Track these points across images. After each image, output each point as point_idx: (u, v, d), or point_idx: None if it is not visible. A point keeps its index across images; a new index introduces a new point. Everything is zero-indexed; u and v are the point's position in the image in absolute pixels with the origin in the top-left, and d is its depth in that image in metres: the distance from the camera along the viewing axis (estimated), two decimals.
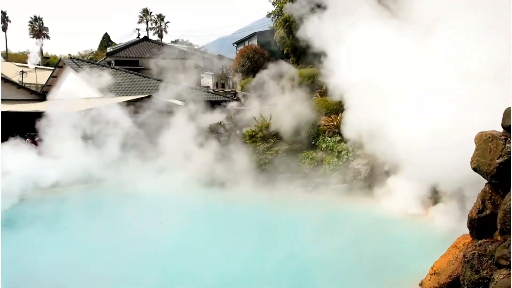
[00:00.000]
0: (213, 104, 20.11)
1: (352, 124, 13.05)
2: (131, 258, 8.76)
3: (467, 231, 5.90)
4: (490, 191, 5.52)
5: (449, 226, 9.32)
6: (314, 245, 9.14)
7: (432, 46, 10.12)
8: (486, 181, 5.62)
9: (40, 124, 15.80)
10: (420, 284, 6.40)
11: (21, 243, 9.69)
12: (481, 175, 5.62)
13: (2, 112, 17.33)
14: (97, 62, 31.64)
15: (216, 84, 35.90)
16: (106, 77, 22.32)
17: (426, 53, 10.19)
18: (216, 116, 17.52)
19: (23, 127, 17.24)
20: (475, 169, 5.66)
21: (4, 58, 48.75)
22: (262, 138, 15.69)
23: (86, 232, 10.38)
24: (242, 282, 7.63)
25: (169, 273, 8.01)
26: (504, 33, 7.88)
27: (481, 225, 5.53)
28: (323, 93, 17.26)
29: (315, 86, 18.02)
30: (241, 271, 8.02)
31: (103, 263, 8.54)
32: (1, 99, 22.82)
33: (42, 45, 56.31)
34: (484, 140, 5.47)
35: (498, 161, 5.24)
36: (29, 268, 8.33)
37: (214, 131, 16.86)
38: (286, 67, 17.86)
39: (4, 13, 59.49)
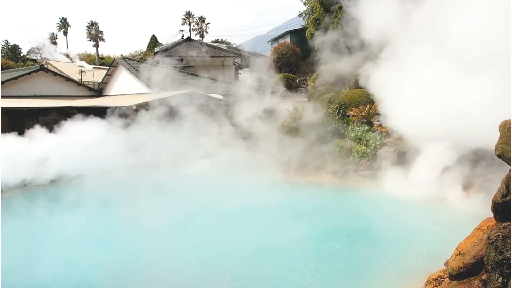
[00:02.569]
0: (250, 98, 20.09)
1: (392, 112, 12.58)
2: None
3: (489, 214, 5.71)
4: None
5: (471, 210, 9.06)
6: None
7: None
8: (510, 167, 5.41)
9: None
10: (446, 264, 6.24)
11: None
12: (505, 161, 5.41)
13: (64, 106, 17.96)
14: (146, 61, 32.15)
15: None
16: (155, 74, 22.76)
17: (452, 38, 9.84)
18: (253, 108, 17.54)
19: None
20: (499, 156, 5.45)
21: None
22: (296, 128, 15.61)
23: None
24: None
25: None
26: None
27: (505, 209, 5.33)
28: (353, 85, 16.97)
29: (345, 80, 17.77)
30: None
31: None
32: (64, 96, 23.73)
33: (98, 47, 57.90)
34: (508, 128, 5.28)
35: None
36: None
37: (252, 121, 16.90)
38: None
39: (65, 19, 61.44)
